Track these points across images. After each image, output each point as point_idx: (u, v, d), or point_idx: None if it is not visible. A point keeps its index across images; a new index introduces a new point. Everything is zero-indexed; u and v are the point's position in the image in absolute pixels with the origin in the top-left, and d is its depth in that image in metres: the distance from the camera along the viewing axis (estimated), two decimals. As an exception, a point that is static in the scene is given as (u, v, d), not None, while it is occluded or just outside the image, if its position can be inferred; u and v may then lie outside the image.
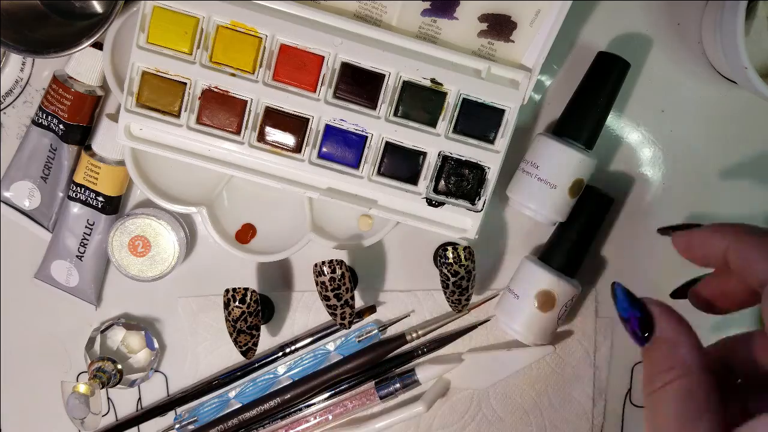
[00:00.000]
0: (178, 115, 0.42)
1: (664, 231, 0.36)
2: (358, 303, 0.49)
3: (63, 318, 0.49)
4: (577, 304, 0.48)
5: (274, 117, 0.42)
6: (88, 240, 0.47)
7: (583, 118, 0.43)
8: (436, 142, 0.42)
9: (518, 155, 0.45)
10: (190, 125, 0.42)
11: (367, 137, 0.42)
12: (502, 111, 0.42)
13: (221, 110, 0.42)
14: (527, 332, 0.44)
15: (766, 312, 0.29)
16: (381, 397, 0.48)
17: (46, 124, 0.45)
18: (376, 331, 0.48)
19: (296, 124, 0.42)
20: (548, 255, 0.45)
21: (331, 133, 0.42)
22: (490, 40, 0.42)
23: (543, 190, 0.42)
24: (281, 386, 0.49)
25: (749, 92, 0.43)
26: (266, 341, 0.49)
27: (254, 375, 0.49)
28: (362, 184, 0.43)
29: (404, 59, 0.41)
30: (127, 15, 0.43)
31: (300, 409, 0.49)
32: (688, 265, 0.33)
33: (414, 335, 0.48)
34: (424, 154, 0.43)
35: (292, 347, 0.49)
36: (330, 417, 0.49)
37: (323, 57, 0.41)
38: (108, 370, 0.46)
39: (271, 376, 0.49)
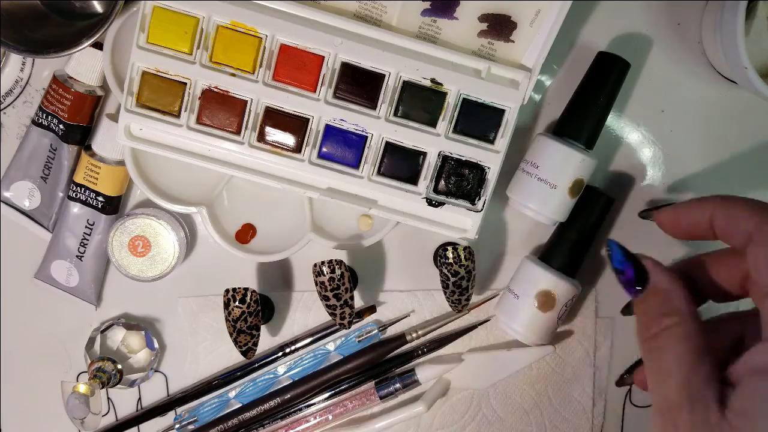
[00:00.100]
0: (178, 115, 0.42)
1: (646, 214, 0.38)
2: (358, 303, 0.49)
3: (63, 318, 0.49)
4: (577, 304, 0.48)
5: (274, 117, 0.42)
6: (88, 240, 0.47)
7: (583, 118, 0.43)
8: (436, 142, 0.42)
9: (518, 155, 0.45)
10: (190, 125, 0.42)
11: (367, 137, 0.42)
12: (502, 111, 0.42)
13: (221, 110, 0.42)
14: (527, 332, 0.44)
15: (752, 264, 0.31)
16: (381, 397, 0.48)
17: (46, 124, 0.45)
18: (376, 331, 0.48)
19: (296, 124, 0.42)
20: (548, 255, 0.45)
21: (331, 133, 0.42)
22: (490, 40, 0.42)
23: (543, 190, 0.42)
24: (281, 386, 0.49)
25: (749, 92, 0.43)
26: (266, 341, 0.49)
27: (254, 375, 0.49)
28: (362, 184, 0.43)
29: (404, 59, 0.41)
30: (127, 15, 0.43)
31: (300, 409, 0.49)
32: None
33: (414, 335, 0.48)
34: (424, 154, 0.43)
35: (292, 347, 0.49)
36: (330, 417, 0.49)
37: (323, 57, 0.41)
38: (108, 370, 0.46)
39: (271, 376, 0.49)
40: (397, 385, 0.48)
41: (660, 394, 0.31)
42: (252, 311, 0.43)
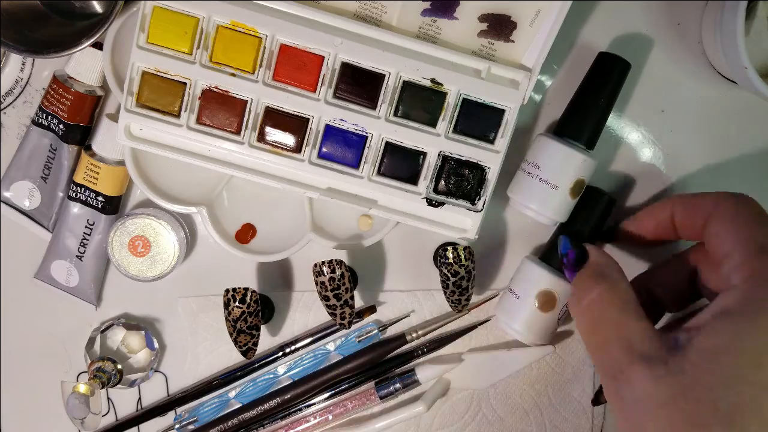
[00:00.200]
0: (178, 115, 0.42)
1: (607, 237, 0.44)
2: (358, 303, 0.49)
3: (63, 318, 0.49)
4: (577, 304, 0.48)
5: (274, 117, 0.42)
6: (88, 240, 0.47)
7: (584, 119, 0.43)
8: (436, 142, 0.42)
9: (518, 155, 0.45)
10: (190, 125, 0.42)
11: (367, 137, 0.42)
12: (502, 111, 0.42)
13: (221, 110, 0.42)
14: (527, 332, 0.44)
15: (712, 237, 0.34)
16: (381, 397, 0.48)
17: (46, 124, 0.45)
18: (376, 331, 0.48)
19: (296, 124, 0.42)
20: (549, 255, 0.45)
21: (331, 133, 0.42)
22: (490, 40, 0.42)
23: (545, 191, 0.42)
24: (281, 386, 0.49)
25: (749, 92, 0.43)
26: (266, 341, 0.49)
27: (254, 375, 0.49)
28: (362, 184, 0.43)
29: (404, 59, 0.41)
30: (127, 15, 0.43)
31: (300, 409, 0.49)
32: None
33: (414, 335, 0.48)
34: (424, 154, 0.43)
35: (292, 347, 0.49)
36: (330, 417, 0.49)
37: (323, 57, 0.41)
38: (108, 370, 0.46)
39: (271, 376, 0.49)
40: (397, 385, 0.48)
41: (606, 363, 0.32)
42: (252, 311, 0.43)
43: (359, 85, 0.42)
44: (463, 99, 0.42)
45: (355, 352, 0.48)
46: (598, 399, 0.46)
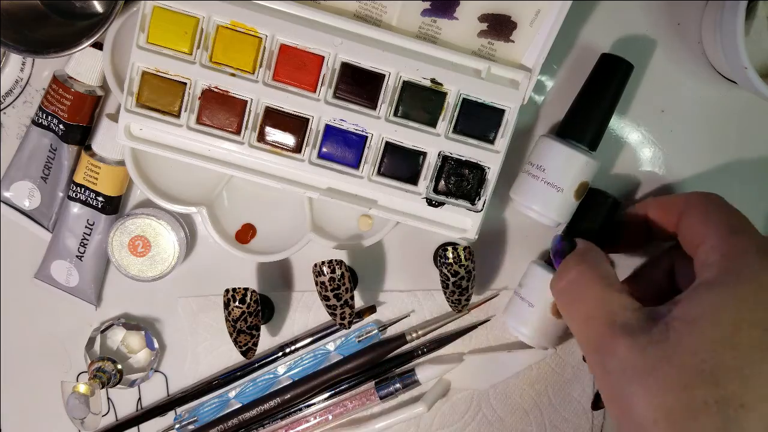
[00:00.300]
0: (178, 115, 0.42)
1: (613, 239, 0.45)
2: (358, 303, 0.49)
3: (63, 318, 0.49)
4: (577, 305, 0.48)
5: (274, 117, 0.42)
6: (88, 240, 0.47)
7: (587, 120, 0.43)
8: (436, 142, 0.42)
9: (519, 156, 0.45)
10: (190, 125, 0.42)
11: (367, 137, 0.42)
12: (502, 111, 0.42)
13: (221, 110, 0.42)
14: (538, 337, 0.43)
15: (686, 230, 0.36)
16: (381, 397, 0.48)
17: (46, 124, 0.45)
18: (376, 331, 0.48)
19: (296, 124, 0.42)
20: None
21: (331, 133, 0.42)
22: (490, 40, 0.42)
23: (549, 193, 0.42)
24: (281, 386, 0.49)
25: (749, 92, 0.43)
26: (266, 341, 0.49)
27: (254, 375, 0.49)
28: (362, 184, 0.43)
29: (404, 59, 0.41)
30: (127, 15, 0.43)
31: (300, 409, 0.49)
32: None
33: (414, 335, 0.48)
34: (424, 154, 0.43)
35: (292, 347, 0.49)
36: (330, 417, 0.49)
37: (323, 57, 0.41)
38: (108, 370, 0.46)
39: (271, 376, 0.49)
40: (397, 385, 0.48)
41: (589, 337, 0.34)
42: (252, 311, 0.43)
43: (359, 85, 0.42)
44: (463, 99, 0.42)
45: (355, 352, 0.48)
46: (597, 404, 0.46)
